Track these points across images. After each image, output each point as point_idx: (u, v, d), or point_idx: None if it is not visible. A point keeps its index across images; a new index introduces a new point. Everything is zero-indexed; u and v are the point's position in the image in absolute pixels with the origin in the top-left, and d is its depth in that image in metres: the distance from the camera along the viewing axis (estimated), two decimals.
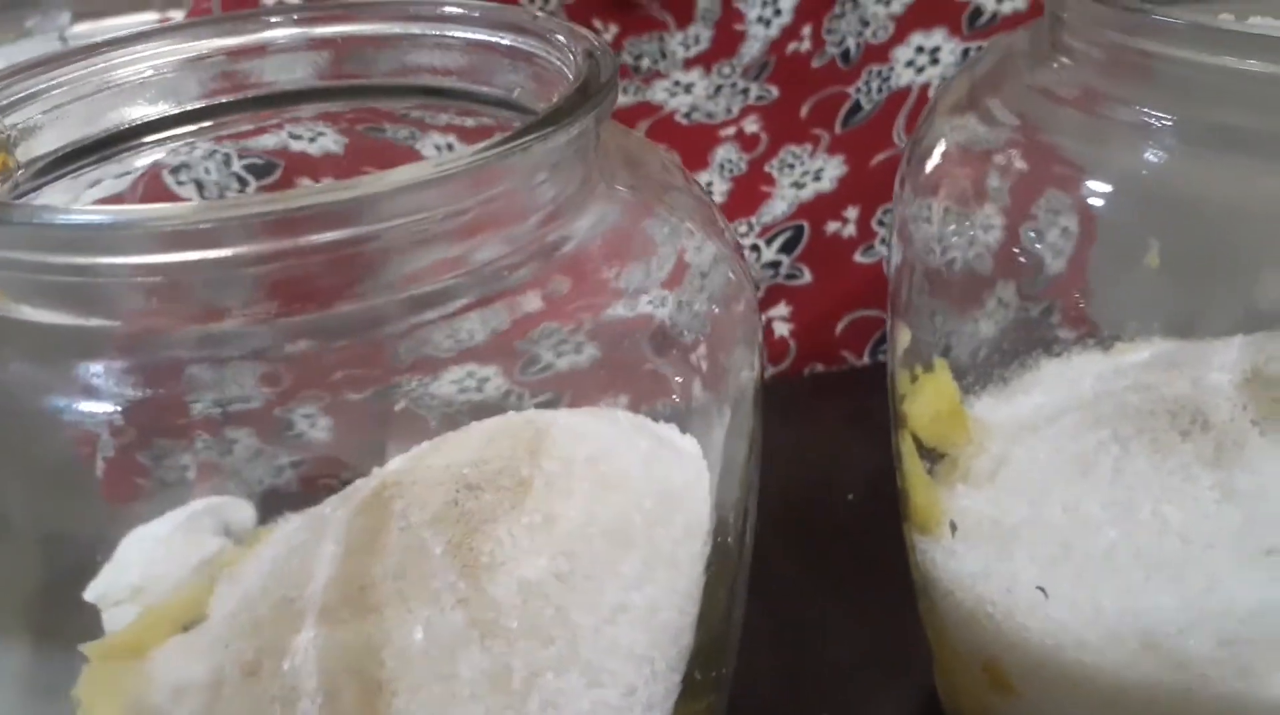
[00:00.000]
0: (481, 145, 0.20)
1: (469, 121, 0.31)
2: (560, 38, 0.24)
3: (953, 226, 0.29)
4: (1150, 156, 0.25)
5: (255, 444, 0.24)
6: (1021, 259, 0.29)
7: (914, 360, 0.31)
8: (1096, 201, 0.27)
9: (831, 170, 0.51)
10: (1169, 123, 0.25)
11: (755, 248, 0.51)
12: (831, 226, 0.52)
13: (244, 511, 0.29)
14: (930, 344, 0.32)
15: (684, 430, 0.25)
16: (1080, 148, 0.26)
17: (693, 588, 0.24)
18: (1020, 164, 0.27)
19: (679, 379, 0.25)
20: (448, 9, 0.27)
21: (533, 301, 0.23)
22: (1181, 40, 0.23)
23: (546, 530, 0.23)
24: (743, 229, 0.51)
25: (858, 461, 0.47)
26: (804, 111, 0.52)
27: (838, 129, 0.51)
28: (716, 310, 0.24)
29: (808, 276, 0.52)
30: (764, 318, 0.53)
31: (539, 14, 0.26)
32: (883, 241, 0.53)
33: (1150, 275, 0.33)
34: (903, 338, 0.31)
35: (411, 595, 0.23)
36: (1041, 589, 0.26)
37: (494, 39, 0.26)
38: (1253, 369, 0.28)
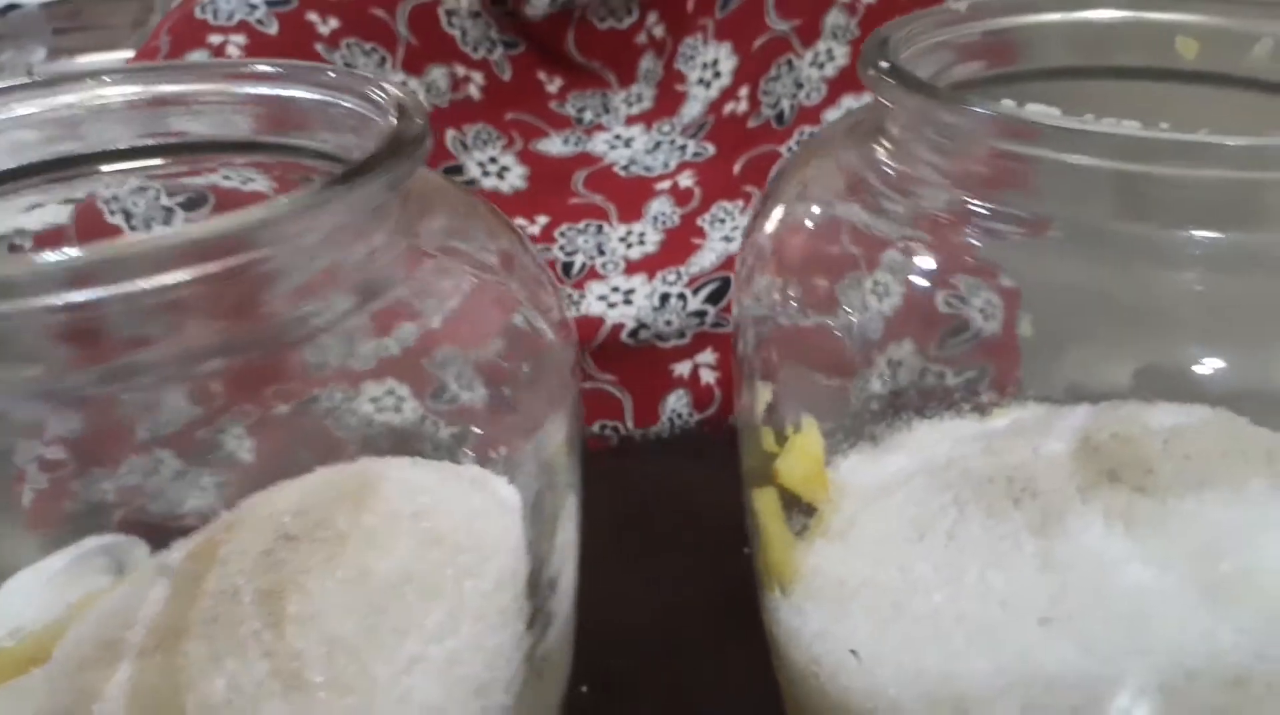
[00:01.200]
0: (296, 192, 0.21)
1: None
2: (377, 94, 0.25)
3: (796, 293, 0.30)
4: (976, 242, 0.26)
5: (178, 466, 0.26)
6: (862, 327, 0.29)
7: (780, 419, 0.32)
8: (918, 279, 0.27)
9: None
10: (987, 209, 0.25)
11: (682, 297, 0.52)
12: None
13: (139, 550, 0.30)
14: (796, 404, 0.33)
15: (510, 481, 0.26)
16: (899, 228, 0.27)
17: (504, 644, 0.25)
18: (853, 248, 0.28)
19: (500, 430, 0.26)
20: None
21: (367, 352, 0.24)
22: (979, 127, 0.24)
23: (358, 585, 0.24)
24: (671, 278, 0.52)
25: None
26: (737, 168, 0.53)
27: (768, 187, 0.52)
28: (526, 368, 0.25)
29: (733, 325, 0.53)
30: (691, 364, 0.54)
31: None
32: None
33: (1026, 344, 0.34)
34: (763, 395, 0.31)
35: (220, 643, 0.23)
36: (854, 652, 0.27)
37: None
38: (1085, 437, 0.28)
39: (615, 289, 0.52)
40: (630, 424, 0.55)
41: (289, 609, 0.23)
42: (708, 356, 0.54)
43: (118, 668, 0.24)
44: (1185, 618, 0.24)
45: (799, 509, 0.32)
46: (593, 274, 0.53)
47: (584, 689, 0.39)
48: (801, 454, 0.33)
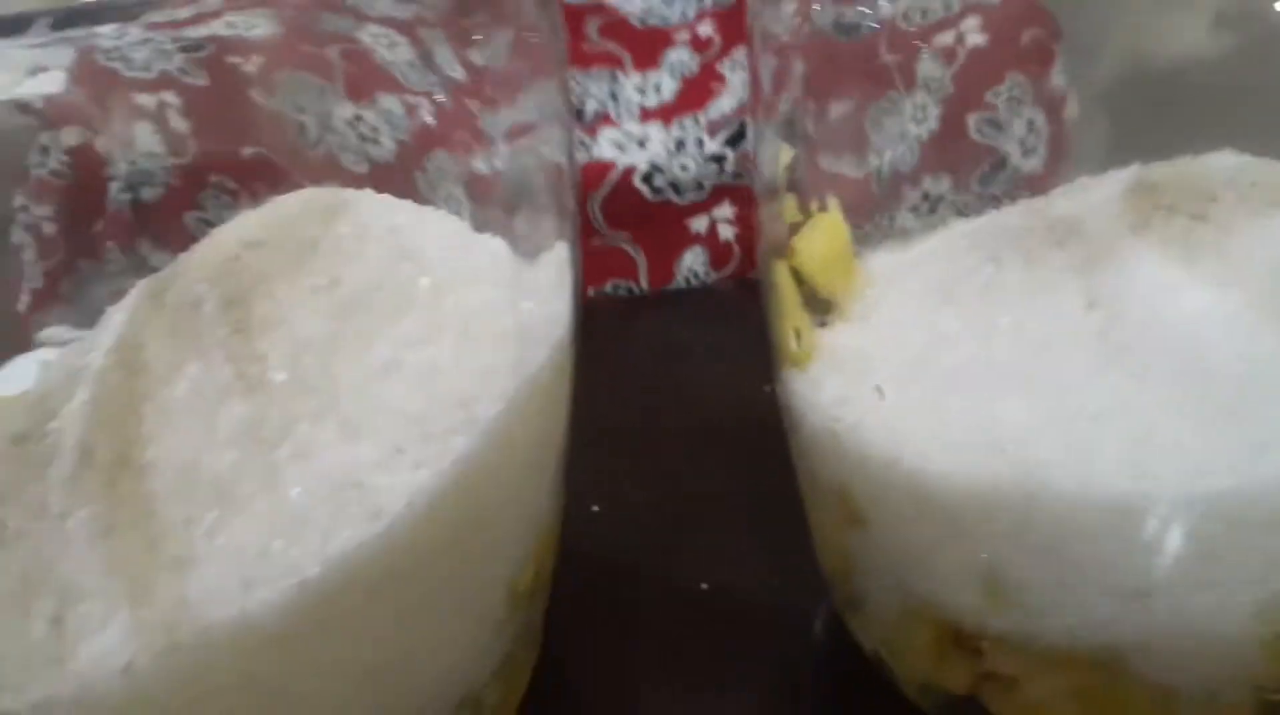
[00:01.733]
0: None
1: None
2: None
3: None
4: None
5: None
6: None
7: (803, 187, 0.30)
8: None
9: None
10: None
11: (700, 141, 0.50)
12: None
13: None
14: (819, 179, 0.30)
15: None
16: None
17: (497, 364, 0.22)
18: None
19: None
20: None
21: None
22: None
23: (328, 292, 0.22)
24: (689, 123, 0.50)
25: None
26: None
27: None
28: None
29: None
30: (709, 219, 0.52)
31: None
32: None
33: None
34: (783, 156, 0.29)
35: (182, 351, 0.21)
36: (879, 389, 0.24)
37: None
38: (1137, 179, 0.26)
39: (629, 135, 0.50)
40: (645, 283, 0.53)
41: (254, 315, 0.21)
42: (725, 211, 0.51)
43: (74, 393, 0.22)
44: (1250, 338, 0.21)
45: (814, 304, 0.30)
46: (606, 120, 0.50)
47: (595, 508, 0.38)
48: (827, 237, 0.30)
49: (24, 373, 0.28)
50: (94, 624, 0.20)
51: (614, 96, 0.51)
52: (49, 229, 0.30)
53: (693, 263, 0.52)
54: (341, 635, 0.20)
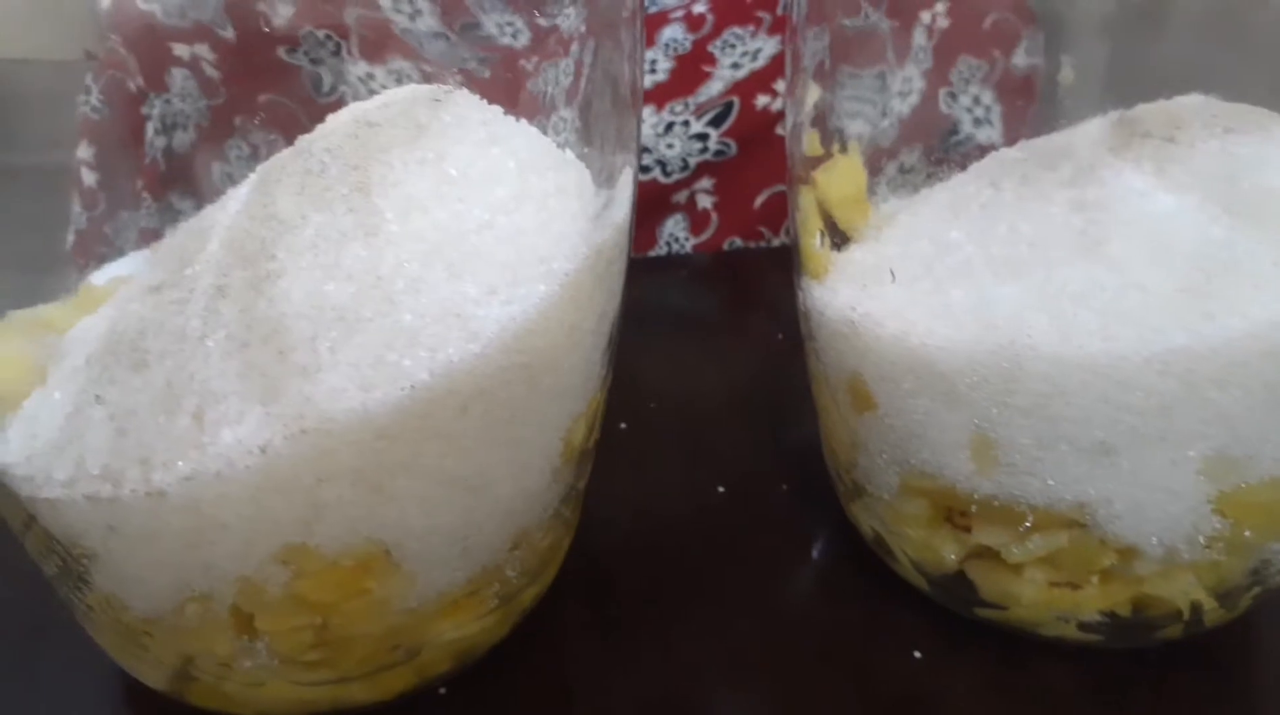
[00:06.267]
0: None
1: None
2: None
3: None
4: None
5: None
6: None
7: (827, 129, 0.34)
8: None
9: (769, 49, 0.54)
10: None
11: (686, 123, 0.54)
12: (761, 100, 0.54)
13: None
14: (842, 119, 0.34)
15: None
16: None
17: (566, 232, 0.26)
18: None
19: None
20: None
21: None
22: None
23: (435, 164, 0.26)
24: (679, 108, 0.54)
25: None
26: None
27: (779, 9, 0.54)
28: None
29: (734, 151, 0.54)
30: (689, 192, 0.55)
31: None
32: None
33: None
34: (811, 93, 0.33)
35: (308, 206, 0.25)
36: (891, 272, 0.29)
37: None
38: (1121, 117, 0.30)
39: (561, 119, 0.54)
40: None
41: (372, 177, 0.25)
42: (706, 182, 0.55)
43: (205, 244, 0.26)
44: (1204, 229, 0.26)
45: (832, 231, 0.34)
46: None
47: (623, 426, 0.41)
48: (846, 176, 0.34)
49: (120, 269, 0.32)
50: (231, 417, 0.23)
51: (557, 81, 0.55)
52: (89, 176, 0.33)
53: (673, 228, 0.56)
54: (437, 441, 0.24)
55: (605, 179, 0.28)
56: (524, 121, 0.28)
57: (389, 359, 0.23)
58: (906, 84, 0.36)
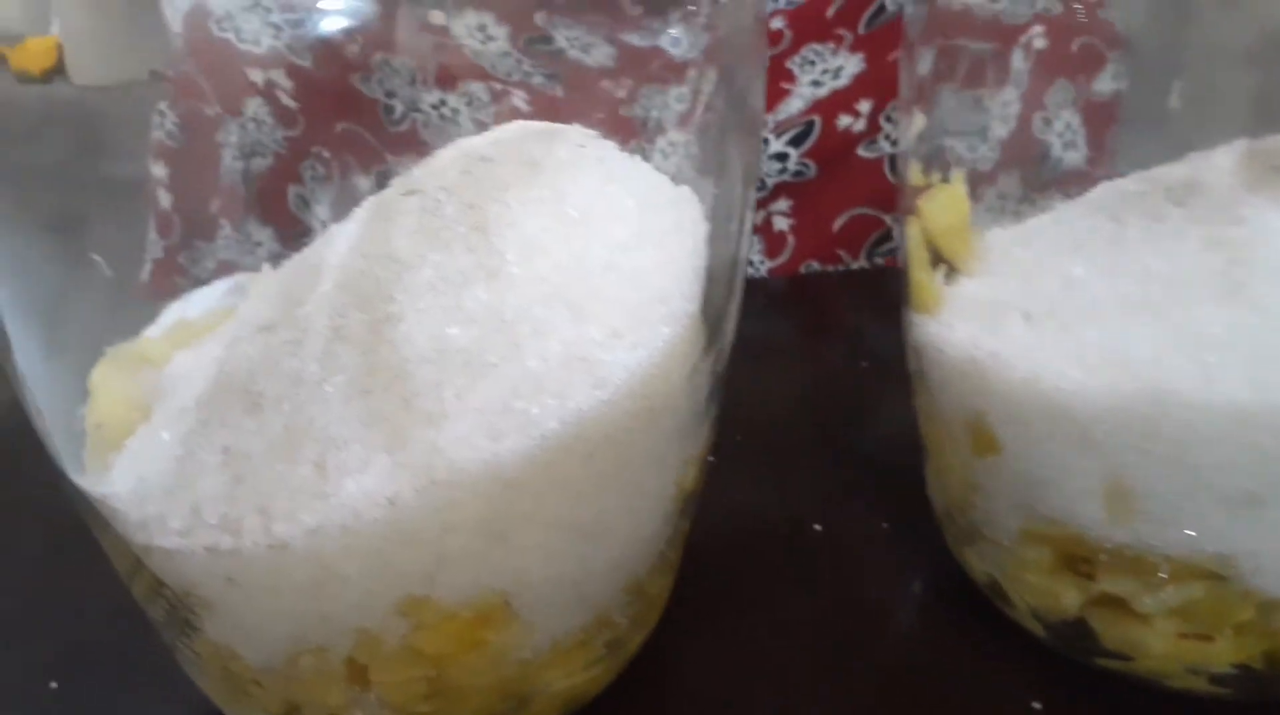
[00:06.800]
0: None
1: None
2: None
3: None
4: None
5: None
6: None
7: (930, 158, 0.33)
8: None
9: (850, 68, 0.53)
10: None
11: (765, 140, 0.53)
12: (843, 120, 0.53)
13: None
14: (945, 146, 0.33)
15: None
16: None
17: (683, 270, 0.26)
18: None
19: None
20: None
21: None
22: None
23: (554, 204, 0.25)
24: None
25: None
26: (830, 13, 0.53)
27: (861, 29, 0.52)
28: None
29: (813, 172, 0.53)
30: (765, 213, 0.54)
31: None
32: (886, 137, 0.54)
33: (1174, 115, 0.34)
34: (917, 121, 0.32)
35: (424, 245, 0.25)
36: (1026, 314, 0.28)
37: None
38: (1249, 149, 0.29)
39: (671, 143, 0.53)
40: None
41: (490, 216, 0.25)
42: (782, 204, 0.54)
43: (317, 283, 0.25)
44: None
45: (935, 259, 0.33)
46: None
47: (711, 460, 0.40)
48: (948, 206, 0.33)
49: (206, 300, 0.32)
50: (355, 465, 0.23)
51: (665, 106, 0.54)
52: (165, 198, 0.33)
53: (749, 251, 0.55)
54: (561, 489, 0.23)
55: (724, 211, 0.28)
56: (636, 156, 0.28)
57: (517, 406, 0.23)
58: (1005, 108, 0.35)
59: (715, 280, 0.26)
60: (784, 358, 0.49)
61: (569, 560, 0.25)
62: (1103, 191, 0.31)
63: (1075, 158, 0.35)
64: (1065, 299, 0.28)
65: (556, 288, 0.24)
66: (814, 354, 0.49)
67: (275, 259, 0.30)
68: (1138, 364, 0.26)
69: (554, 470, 0.23)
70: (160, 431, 0.26)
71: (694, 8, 0.28)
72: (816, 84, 0.52)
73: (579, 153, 0.26)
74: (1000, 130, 0.34)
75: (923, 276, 0.32)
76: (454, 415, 0.23)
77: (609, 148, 0.27)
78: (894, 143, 0.54)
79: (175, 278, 0.32)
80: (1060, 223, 0.32)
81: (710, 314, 0.26)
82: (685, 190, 0.28)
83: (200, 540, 0.23)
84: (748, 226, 0.28)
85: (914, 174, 0.33)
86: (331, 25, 0.29)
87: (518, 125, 0.27)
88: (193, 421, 0.25)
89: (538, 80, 0.30)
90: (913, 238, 0.32)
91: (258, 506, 0.23)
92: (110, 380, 0.28)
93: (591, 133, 0.27)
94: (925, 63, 0.33)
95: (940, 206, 0.33)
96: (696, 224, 0.27)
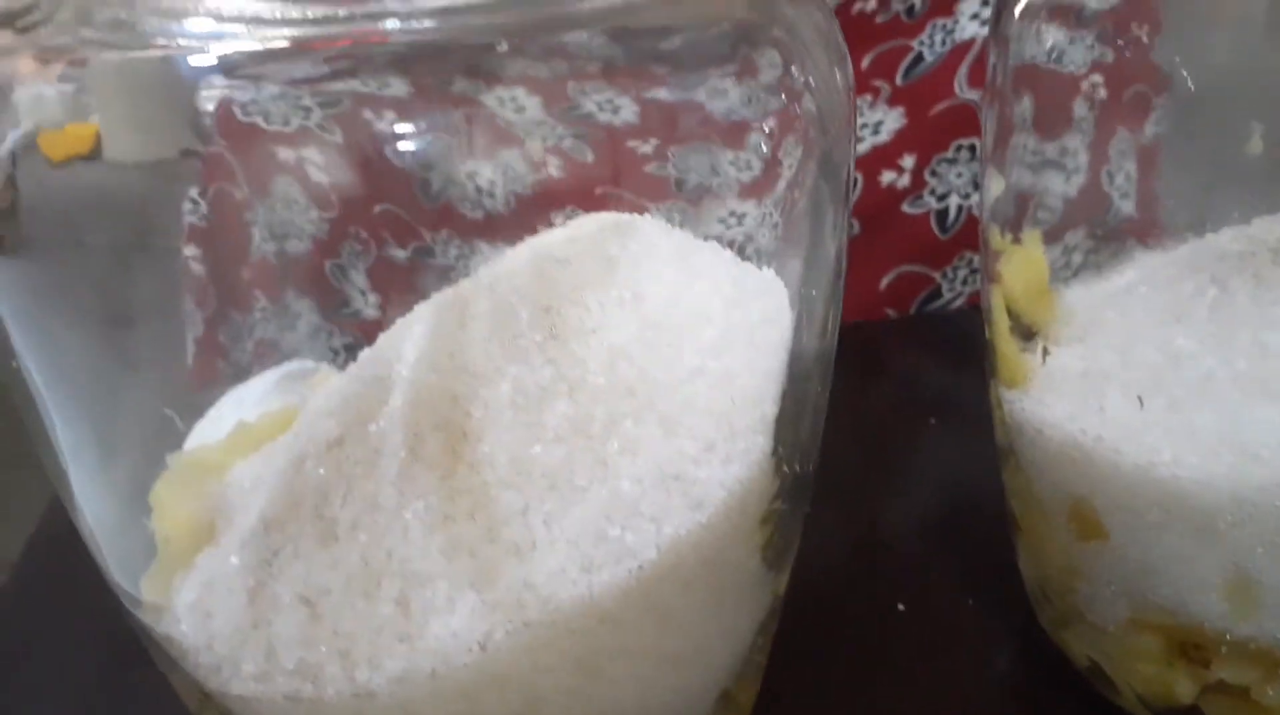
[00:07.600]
0: None
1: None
2: None
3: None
4: None
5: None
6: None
7: (1006, 218, 0.31)
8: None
9: (890, 123, 0.51)
10: None
11: None
12: (886, 177, 0.51)
13: (327, 374, 0.30)
14: (1021, 204, 0.32)
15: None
16: None
17: (772, 368, 0.24)
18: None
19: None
20: None
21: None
22: None
23: (634, 304, 0.24)
24: None
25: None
26: (865, 64, 0.51)
27: (899, 81, 0.51)
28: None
29: (857, 229, 0.52)
30: None
31: None
32: (932, 192, 0.52)
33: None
34: (995, 185, 0.31)
35: (500, 355, 0.23)
36: (1139, 398, 0.26)
37: None
38: None
39: (732, 213, 0.52)
40: None
41: (569, 322, 0.23)
42: None
43: (387, 397, 0.24)
44: None
45: (1015, 326, 0.31)
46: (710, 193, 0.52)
47: None
48: (1025, 266, 0.32)
49: (257, 392, 0.30)
50: (440, 605, 0.21)
51: (715, 170, 0.53)
52: (198, 268, 0.32)
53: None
54: (662, 618, 0.22)
55: (814, 295, 0.26)
56: (713, 242, 0.26)
57: (611, 534, 0.21)
58: (1074, 160, 0.33)
59: (805, 377, 0.25)
60: (849, 415, 0.47)
61: (663, 689, 0.23)
62: (1198, 251, 0.30)
63: (1128, 207, 0.34)
64: (1171, 374, 0.27)
65: (645, 399, 0.22)
66: (873, 408, 0.47)
67: (315, 332, 0.29)
68: (1264, 450, 0.24)
69: (651, 600, 0.21)
70: (229, 556, 0.25)
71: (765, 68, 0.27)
72: (857, 140, 0.51)
73: (652, 244, 0.25)
74: (1071, 184, 0.33)
75: (1008, 348, 0.30)
76: (543, 545, 0.21)
77: (685, 236, 0.26)
78: (940, 198, 0.53)
79: (218, 361, 0.31)
80: (1152, 284, 0.30)
81: (801, 409, 0.25)
82: (769, 275, 0.26)
83: (279, 688, 0.21)
84: (837, 314, 0.27)
85: (994, 238, 0.31)
86: (364, 103, 0.28)
87: (592, 220, 0.26)
88: (263, 548, 0.24)
89: (568, 144, 0.28)
90: (996, 306, 0.31)
91: (338, 650, 0.21)
92: (176, 497, 0.27)
93: (664, 223, 0.26)
94: (1004, 118, 0.31)
95: (1017, 267, 0.32)
96: (783, 313, 0.25)
